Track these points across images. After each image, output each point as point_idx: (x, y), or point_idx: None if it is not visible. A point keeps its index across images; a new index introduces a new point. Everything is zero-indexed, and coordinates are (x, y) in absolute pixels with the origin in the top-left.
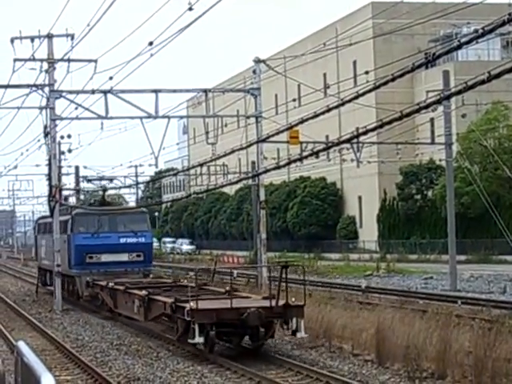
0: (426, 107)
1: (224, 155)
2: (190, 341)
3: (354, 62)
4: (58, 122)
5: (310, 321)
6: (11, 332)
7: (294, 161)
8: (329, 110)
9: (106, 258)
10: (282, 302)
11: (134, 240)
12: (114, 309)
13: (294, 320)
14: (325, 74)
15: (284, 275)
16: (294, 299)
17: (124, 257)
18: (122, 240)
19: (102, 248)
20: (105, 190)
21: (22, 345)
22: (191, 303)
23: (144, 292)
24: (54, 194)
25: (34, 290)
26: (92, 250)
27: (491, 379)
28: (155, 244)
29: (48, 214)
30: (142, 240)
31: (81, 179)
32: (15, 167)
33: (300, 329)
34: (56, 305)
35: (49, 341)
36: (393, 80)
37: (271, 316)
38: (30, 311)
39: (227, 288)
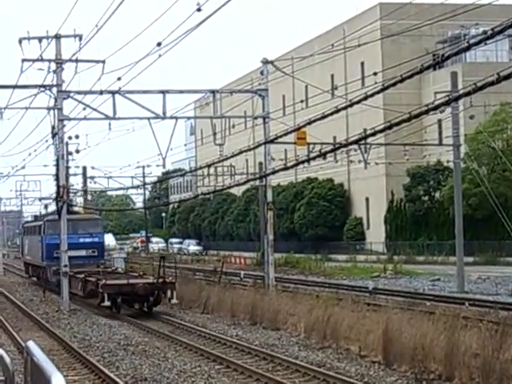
0: (435, 109)
1: (231, 156)
2: (102, 304)
3: (362, 63)
4: (65, 122)
5: (316, 322)
6: (19, 332)
7: (302, 162)
8: (337, 111)
9: (69, 253)
10: (161, 280)
11: (89, 240)
12: (69, 289)
13: (169, 291)
14: (332, 75)
15: (163, 263)
16: (170, 278)
17: (82, 252)
18: (81, 240)
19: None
20: (68, 203)
21: (31, 344)
22: (103, 280)
23: (82, 275)
24: (62, 194)
25: (41, 290)
26: (59, 247)
27: (499, 381)
28: (162, 245)
29: (31, 219)
30: (96, 240)
31: (88, 180)
32: (23, 167)
33: (173, 297)
34: (63, 305)
35: (56, 341)
36: (401, 81)
37: (154, 288)
38: (38, 311)
39: (140, 273)
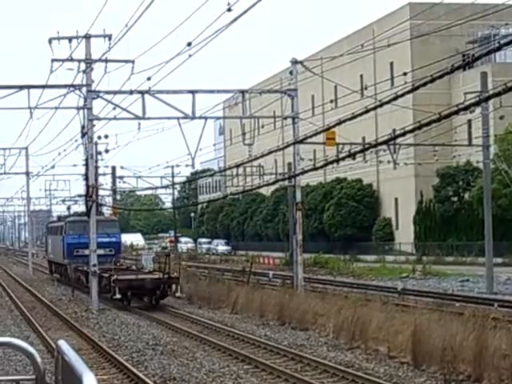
0: (465, 109)
1: (260, 156)
2: (113, 297)
3: (391, 64)
4: (95, 122)
5: (345, 322)
6: (47, 331)
7: (331, 162)
8: (367, 111)
9: (88, 252)
10: (167, 276)
11: (107, 239)
12: (86, 284)
13: (174, 286)
14: (362, 76)
15: (168, 260)
16: (175, 273)
17: (100, 251)
18: (99, 239)
19: (85, 245)
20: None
21: (62, 343)
22: (115, 276)
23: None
24: (91, 194)
25: (70, 289)
26: (78, 246)
27: None
28: (191, 245)
29: (55, 219)
30: (113, 240)
31: (117, 179)
32: (52, 167)
33: (178, 291)
34: (92, 304)
35: (85, 340)
36: (431, 81)
37: (160, 283)
38: (66, 311)
39: (150, 269)
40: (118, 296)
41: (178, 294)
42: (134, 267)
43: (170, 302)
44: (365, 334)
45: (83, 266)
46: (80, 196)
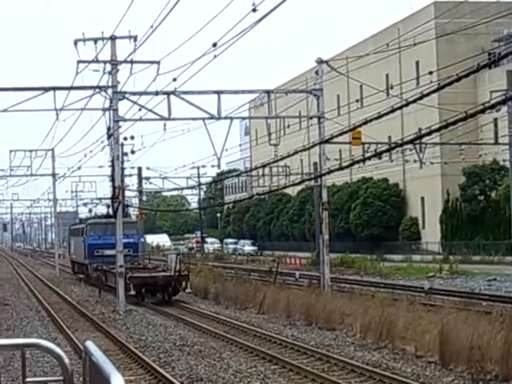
0: (491, 107)
1: (286, 156)
2: (128, 293)
3: (417, 63)
4: (121, 123)
5: (372, 322)
6: (75, 332)
7: (357, 162)
8: (393, 110)
9: (107, 252)
10: (177, 273)
11: (125, 240)
12: (105, 282)
13: (184, 282)
14: (387, 75)
15: (179, 259)
16: (186, 271)
17: None
18: None
19: (104, 246)
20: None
21: (90, 344)
22: (130, 273)
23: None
24: (117, 195)
25: (97, 290)
26: (98, 247)
27: None
28: (217, 245)
29: (77, 221)
30: (131, 240)
31: (143, 180)
32: (79, 168)
33: (187, 287)
34: (119, 305)
35: (112, 341)
36: (457, 80)
37: (171, 280)
38: (93, 312)
39: (164, 268)
40: (132, 292)
41: (187, 290)
42: (149, 266)
43: (197, 302)
44: (392, 334)
45: (102, 265)
46: (99, 199)
